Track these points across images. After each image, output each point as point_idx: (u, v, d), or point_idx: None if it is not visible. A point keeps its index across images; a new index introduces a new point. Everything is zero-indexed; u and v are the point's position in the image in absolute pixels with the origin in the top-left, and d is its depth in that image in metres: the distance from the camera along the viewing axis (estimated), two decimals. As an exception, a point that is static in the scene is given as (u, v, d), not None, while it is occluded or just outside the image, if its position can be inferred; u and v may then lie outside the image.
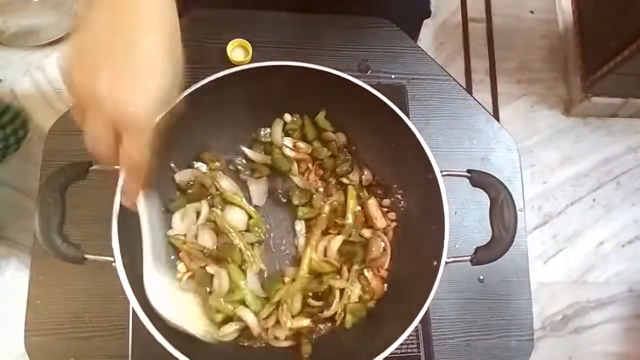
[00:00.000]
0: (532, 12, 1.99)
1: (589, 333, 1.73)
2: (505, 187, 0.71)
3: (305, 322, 0.76)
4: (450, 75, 1.01)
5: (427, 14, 1.16)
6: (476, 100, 1.00)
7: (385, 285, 0.82)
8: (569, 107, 1.90)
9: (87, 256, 0.64)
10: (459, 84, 1.01)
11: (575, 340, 1.72)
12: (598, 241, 1.81)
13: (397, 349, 0.80)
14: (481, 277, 0.91)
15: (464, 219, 0.92)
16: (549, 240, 1.80)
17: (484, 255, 0.71)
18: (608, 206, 1.84)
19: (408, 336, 0.82)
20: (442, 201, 0.70)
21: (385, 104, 0.74)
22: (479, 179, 0.73)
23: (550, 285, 1.76)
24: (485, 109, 1.00)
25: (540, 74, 1.94)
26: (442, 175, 0.72)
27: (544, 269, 1.78)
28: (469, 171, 0.73)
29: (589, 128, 1.91)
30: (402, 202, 0.85)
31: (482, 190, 0.74)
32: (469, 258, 0.71)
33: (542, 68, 1.94)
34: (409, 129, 0.73)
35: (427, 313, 0.84)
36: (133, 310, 0.65)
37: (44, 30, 1.75)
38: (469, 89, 1.87)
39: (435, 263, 0.69)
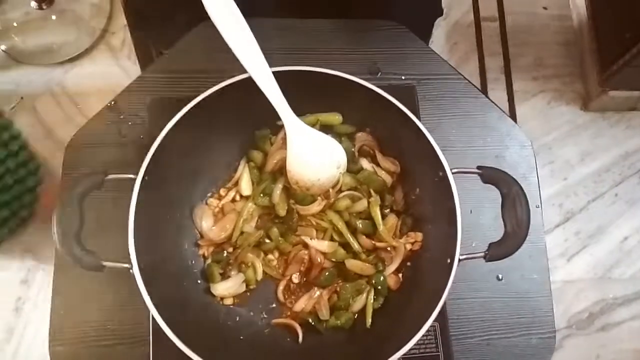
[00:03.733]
0: (545, 8, 1.97)
1: (617, 330, 1.70)
2: (517, 182, 0.71)
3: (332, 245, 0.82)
4: (461, 74, 1.01)
5: (440, 12, 1.16)
6: (488, 98, 1.00)
7: (400, 283, 0.82)
8: (586, 102, 1.88)
9: (105, 263, 0.66)
10: (470, 82, 1.01)
11: (602, 338, 1.69)
12: (622, 236, 1.78)
13: (415, 348, 0.81)
14: (500, 276, 0.91)
15: (480, 217, 0.92)
16: (571, 237, 1.78)
17: (497, 251, 0.70)
18: (631, 200, 1.81)
19: (426, 336, 0.83)
20: (453, 198, 0.71)
21: (392, 103, 0.75)
22: (490, 175, 0.73)
23: (575, 282, 1.73)
24: (498, 107, 0.99)
25: (556, 70, 1.92)
26: (453, 173, 0.72)
27: (568, 266, 1.75)
28: (479, 168, 0.73)
29: (608, 122, 1.88)
30: (415, 201, 0.85)
31: (497, 190, 0.74)
32: (482, 255, 0.71)
33: (558, 64, 1.92)
34: (417, 127, 0.73)
35: (444, 312, 0.85)
36: (153, 317, 0.66)
37: (63, 47, 1.79)
38: (484, 88, 1.86)
39: (449, 260, 0.69)
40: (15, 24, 1.80)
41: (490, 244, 0.72)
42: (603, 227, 1.79)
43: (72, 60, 1.78)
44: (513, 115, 1.84)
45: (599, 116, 1.88)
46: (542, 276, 0.92)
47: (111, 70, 1.77)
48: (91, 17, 1.82)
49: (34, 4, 1.76)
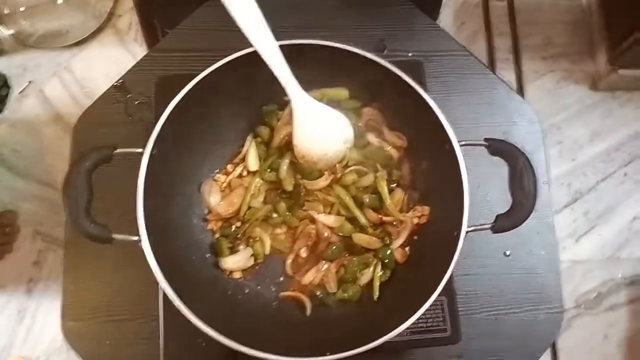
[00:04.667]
0: (554, -14, 1.95)
1: (625, 310, 1.70)
2: (524, 154, 0.71)
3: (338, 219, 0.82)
4: (468, 51, 1.00)
5: None
6: (496, 75, 1.00)
7: (407, 256, 0.83)
8: (596, 81, 1.85)
9: (114, 236, 0.67)
10: (478, 59, 1.00)
11: (610, 318, 1.69)
12: (631, 216, 1.76)
13: (422, 322, 0.82)
14: (507, 252, 0.91)
15: (487, 194, 0.92)
16: (580, 217, 1.76)
17: (504, 222, 0.71)
18: (640, 181, 1.80)
19: (433, 310, 0.83)
20: (460, 170, 0.71)
21: (399, 77, 0.74)
22: (497, 147, 0.73)
23: (583, 263, 1.73)
24: (505, 83, 0.99)
25: (565, 49, 1.89)
26: (460, 146, 0.72)
27: (576, 246, 1.74)
28: (486, 140, 0.73)
29: (618, 102, 1.86)
30: (421, 175, 0.86)
31: (504, 166, 0.74)
32: (489, 226, 0.71)
33: (567, 43, 1.90)
34: (424, 100, 0.73)
35: (452, 287, 0.86)
36: (163, 291, 0.67)
37: (70, 31, 1.79)
38: (492, 68, 1.85)
39: (456, 233, 0.70)
40: (22, 8, 1.80)
41: (497, 216, 0.72)
42: (612, 207, 1.77)
43: (79, 43, 1.78)
44: (521, 95, 1.82)
45: (609, 96, 1.86)
46: (549, 252, 0.92)
47: (118, 53, 1.77)
48: (97, 0, 1.82)
49: (41, -13, 1.77)
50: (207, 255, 0.82)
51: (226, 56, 0.75)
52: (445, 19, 1.87)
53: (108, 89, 0.94)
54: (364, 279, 0.80)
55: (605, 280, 1.71)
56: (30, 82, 1.74)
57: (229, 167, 0.86)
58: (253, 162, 0.85)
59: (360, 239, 0.81)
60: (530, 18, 1.91)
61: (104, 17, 1.80)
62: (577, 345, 1.66)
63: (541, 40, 1.90)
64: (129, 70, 0.94)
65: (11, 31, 1.78)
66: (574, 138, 1.82)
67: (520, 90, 1.84)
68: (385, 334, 0.66)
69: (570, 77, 1.87)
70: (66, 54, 1.78)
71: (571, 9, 1.93)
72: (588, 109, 1.85)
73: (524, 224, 0.72)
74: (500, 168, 0.75)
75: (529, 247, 0.92)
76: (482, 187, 0.92)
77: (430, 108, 0.73)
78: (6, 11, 1.79)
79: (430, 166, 0.82)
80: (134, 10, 1.74)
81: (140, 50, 1.75)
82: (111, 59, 1.75)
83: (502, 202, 0.89)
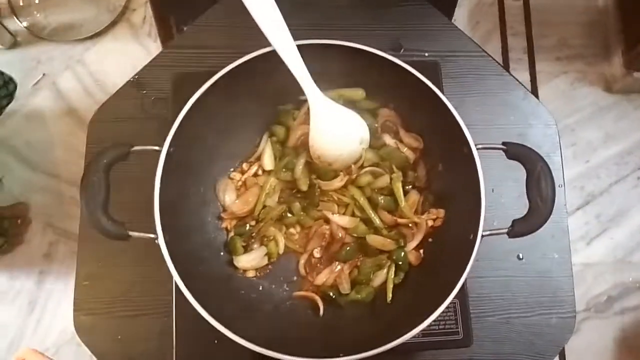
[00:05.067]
0: (570, -13, 1.93)
1: (635, 314, 1.69)
2: (542, 158, 0.71)
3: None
4: (485, 51, 0.99)
5: None
6: (512, 76, 0.99)
7: (421, 259, 0.83)
8: (610, 83, 1.84)
9: (130, 233, 0.67)
10: (494, 59, 0.99)
11: (620, 322, 1.68)
12: (643, 220, 1.76)
13: (434, 325, 0.82)
14: (520, 255, 0.91)
15: (502, 196, 0.91)
16: (592, 220, 1.76)
17: (521, 227, 0.70)
18: (653, 184, 1.79)
19: (446, 313, 0.83)
20: (477, 173, 0.70)
21: (417, 78, 0.74)
22: (515, 151, 0.72)
23: (595, 266, 1.72)
24: (522, 85, 0.98)
25: (580, 51, 1.88)
26: (478, 149, 0.71)
27: (588, 249, 1.73)
28: (504, 144, 0.73)
29: (633, 105, 1.85)
30: (437, 177, 0.85)
31: (520, 168, 0.73)
32: (505, 231, 0.70)
33: (582, 44, 1.89)
34: (442, 102, 0.72)
35: (465, 290, 0.85)
36: (176, 287, 0.67)
37: (83, 24, 1.79)
38: (506, 68, 1.84)
39: (471, 236, 0.69)
40: (37, 1, 1.81)
41: (514, 221, 0.71)
42: (624, 210, 1.76)
43: (92, 37, 1.79)
44: (535, 96, 1.81)
45: (623, 98, 1.85)
46: (563, 256, 0.91)
47: (131, 47, 1.78)
48: (111, -6, 1.83)
49: (55, -19, 1.78)
50: (221, 253, 0.82)
51: (243, 54, 0.75)
52: (460, 18, 1.86)
53: (123, 85, 0.94)
54: (378, 280, 0.80)
55: (616, 284, 1.70)
56: (43, 75, 1.75)
57: (245, 165, 0.86)
58: (268, 162, 0.85)
59: (374, 240, 0.81)
60: (546, 18, 1.90)
61: (117, 11, 1.80)
62: (586, 348, 1.65)
63: (556, 41, 1.89)
64: (145, 67, 0.94)
65: (25, 23, 1.79)
66: (588, 140, 1.81)
67: (534, 91, 1.83)
68: (397, 338, 0.66)
69: (585, 78, 1.86)
70: (79, 48, 1.78)
71: (587, 10, 1.91)
72: (602, 111, 1.84)
73: (538, 228, 0.71)
74: (514, 171, 0.74)
75: (542, 250, 0.91)
76: (497, 190, 0.91)
77: (447, 110, 0.73)
78: (21, 3, 1.80)
79: (446, 168, 0.82)
80: (148, 4, 1.74)
81: (154, 45, 1.76)
82: (125, 53, 1.76)
83: (516, 205, 0.89)
